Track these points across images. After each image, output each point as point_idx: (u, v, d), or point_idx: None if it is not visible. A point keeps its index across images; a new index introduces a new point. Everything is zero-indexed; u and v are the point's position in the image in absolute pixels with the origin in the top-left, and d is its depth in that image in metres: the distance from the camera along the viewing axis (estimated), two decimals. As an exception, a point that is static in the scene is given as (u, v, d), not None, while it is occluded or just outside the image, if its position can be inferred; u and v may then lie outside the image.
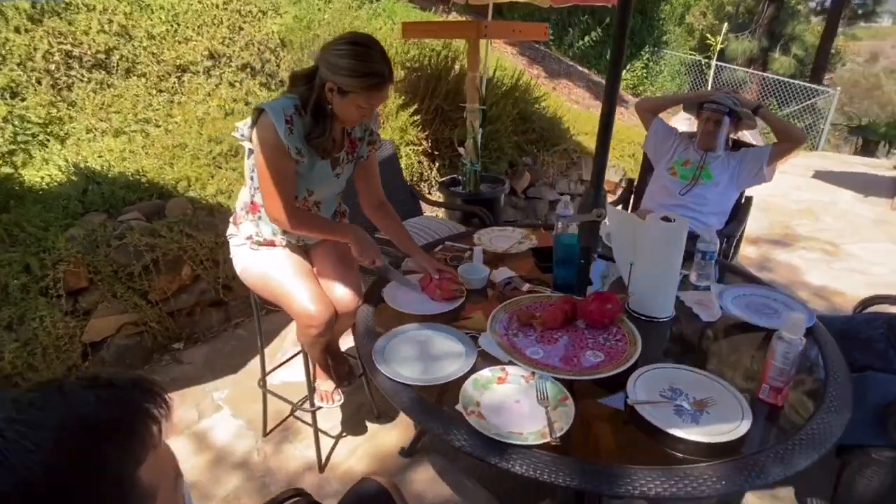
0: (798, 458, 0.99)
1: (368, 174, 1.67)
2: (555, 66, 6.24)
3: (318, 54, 1.41)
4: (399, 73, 3.85)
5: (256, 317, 1.84)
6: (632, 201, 2.86)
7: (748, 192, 2.58)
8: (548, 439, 1.00)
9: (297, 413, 2.00)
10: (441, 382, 1.16)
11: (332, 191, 1.64)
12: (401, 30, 3.08)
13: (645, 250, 1.41)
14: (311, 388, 1.75)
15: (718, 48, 10.02)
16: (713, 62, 10.09)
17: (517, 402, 1.12)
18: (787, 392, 1.11)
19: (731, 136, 2.57)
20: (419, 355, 1.28)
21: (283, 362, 2.07)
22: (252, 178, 1.54)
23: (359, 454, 1.89)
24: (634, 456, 1.01)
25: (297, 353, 2.05)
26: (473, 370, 1.20)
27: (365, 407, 2.07)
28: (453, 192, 3.31)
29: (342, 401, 1.81)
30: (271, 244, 1.62)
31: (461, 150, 3.23)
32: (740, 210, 2.54)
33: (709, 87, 9.90)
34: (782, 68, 12.81)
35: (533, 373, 1.18)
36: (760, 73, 11.23)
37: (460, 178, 3.41)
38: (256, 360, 2.04)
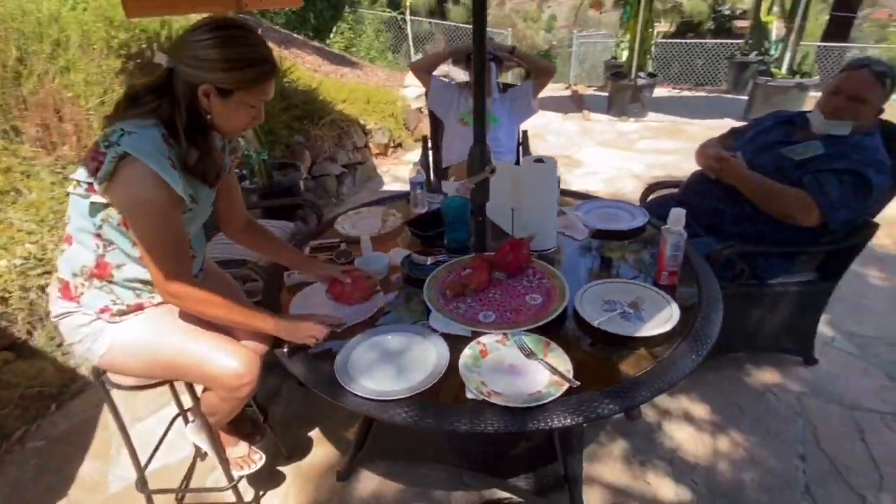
0: (713, 316, 1.27)
1: (231, 190, 1.37)
2: (274, 34, 5.86)
3: (168, 55, 1.05)
4: (116, 65, 3.10)
5: (110, 405, 1.37)
6: (431, 157, 2.99)
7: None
8: (565, 386, 1.05)
9: (212, 497, 1.61)
10: (436, 380, 1.09)
11: (200, 225, 1.32)
12: (122, 5, 2.38)
13: (526, 192, 1.53)
14: (224, 461, 1.42)
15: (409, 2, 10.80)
16: (407, 17, 10.86)
17: (512, 367, 1.13)
18: (677, 274, 1.40)
19: (498, 79, 2.88)
20: (383, 363, 1.16)
21: (157, 447, 1.61)
22: (99, 237, 1.14)
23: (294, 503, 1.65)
24: (624, 367, 1.15)
25: (166, 432, 1.63)
26: (454, 354, 1.16)
27: (269, 451, 1.79)
28: (245, 190, 2.92)
29: (263, 459, 1.53)
30: (139, 308, 1.21)
31: (241, 141, 2.85)
32: (524, 143, 2.91)
33: (410, 42, 10.69)
34: (459, 17, 14.64)
35: (505, 334, 1.20)
36: (443, 22, 12.59)
37: (243, 172, 3.02)
38: (88, 468, 1.56)
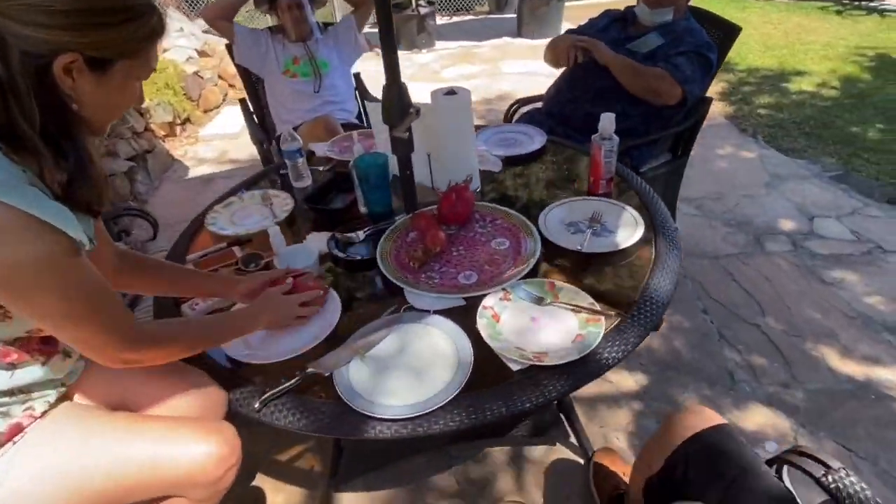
0: (660, 206, 1.32)
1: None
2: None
3: None
4: None
5: None
6: (256, 120, 2.53)
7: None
8: (601, 320, 0.98)
9: None
10: (469, 366, 0.92)
11: None
12: None
13: (442, 133, 1.35)
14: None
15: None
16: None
17: (534, 320, 1.01)
18: (613, 180, 1.40)
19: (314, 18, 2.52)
20: (393, 373, 0.94)
21: None
22: None
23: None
24: (628, 282, 1.12)
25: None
26: (469, 333, 0.99)
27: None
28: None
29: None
30: (15, 432, 0.77)
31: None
32: (361, 88, 2.63)
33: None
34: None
35: (504, 289, 1.07)
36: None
37: None
38: None
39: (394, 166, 1.30)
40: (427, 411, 0.85)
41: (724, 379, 1.70)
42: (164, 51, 4.39)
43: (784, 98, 3.88)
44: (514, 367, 0.92)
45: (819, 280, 2.07)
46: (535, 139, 1.70)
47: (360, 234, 1.30)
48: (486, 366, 0.93)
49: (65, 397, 0.90)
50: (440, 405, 0.85)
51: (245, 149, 3.63)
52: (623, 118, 1.86)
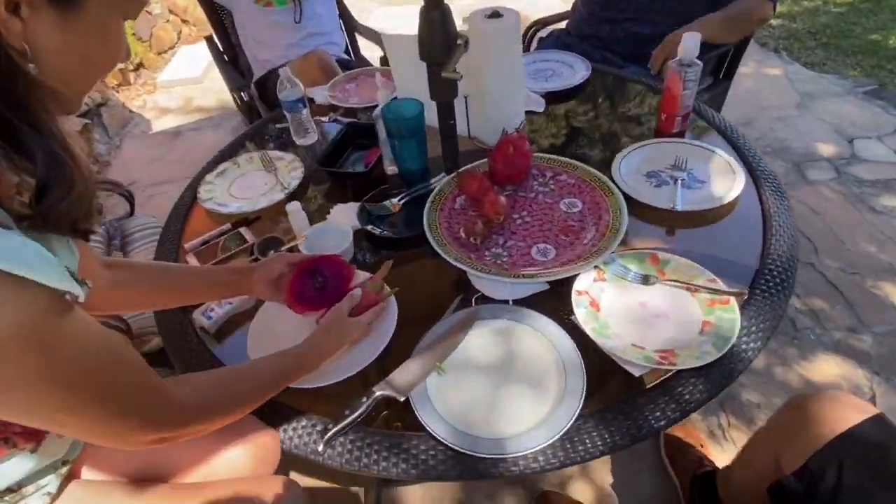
0: (751, 146, 1.11)
1: None
2: None
3: None
4: None
5: None
6: (234, 60, 2.16)
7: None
8: (731, 301, 0.79)
9: None
10: (582, 374, 0.73)
11: None
12: None
13: (484, 67, 1.09)
14: None
15: None
16: None
17: (642, 306, 0.82)
18: (689, 116, 1.17)
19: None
20: (491, 390, 0.75)
21: None
22: None
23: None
24: (744, 247, 0.92)
25: None
26: (565, 327, 0.79)
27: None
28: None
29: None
30: None
31: None
32: (346, 18, 2.26)
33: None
34: None
35: (596, 267, 0.86)
36: None
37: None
38: None
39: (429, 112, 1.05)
40: (553, 439, 0.66)
41: (785, 327, 1.57)
42: (101, -17, 3.79)
43: (796, 6, 3.60)
44: (637, 373, 0.73)
45: (869, 209, 1.92)
46: (577, 69, 1.44)
47: (395, 203, 1.06)
48: (596, 371, 0.75)
49: (70, 477, 0.69)
50: (565, 430, 0.67)
51: (212, 94, 3.23)
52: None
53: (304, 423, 0.73)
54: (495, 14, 1.07)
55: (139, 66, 3.57)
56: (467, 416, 0.70)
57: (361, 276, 0.88)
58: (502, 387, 0.73)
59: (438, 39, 0.90)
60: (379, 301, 0.82)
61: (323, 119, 1.40)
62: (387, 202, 1.06)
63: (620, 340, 0.76)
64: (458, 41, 0.91)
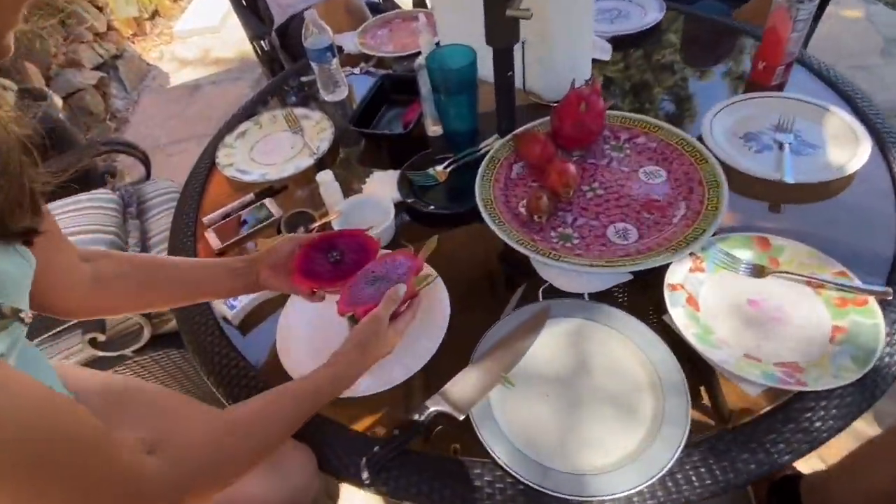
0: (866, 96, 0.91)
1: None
2: None
3: None
4: None
5: None
6: (252, 5, 1.97)
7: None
8: (870, 300, 0.63)
9: None
10: (684, 392, 0.59)
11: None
12: None
13: (548, 5, 0.90)
14: None
15: None
16: None
17: (753, 305, 0.67)
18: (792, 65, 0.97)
19: None
20: (566, 409, 0.62)
21: None
22: None
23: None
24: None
25: None
26: (655, 327, 0.65)
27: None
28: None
29: None
30: None
31: None
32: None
33: None
34: None
35: (692, 254, 0.71)
36: None
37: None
38: None
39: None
40: (653, 480, 0.53)
41: None
42: (112, -76, 3.57)
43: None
44: (754, 392, 0.59)
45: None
46: (647, 8, 1.23)
47: (441, 170, 0.91)
48: (698, 384, 0.61)
49: None
50: (668, 467, 0.54)
51: (231, 45, 3.05)
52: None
53: (343, 441, 0.62)
54: (565, -62, 0.87)
55: (154, 14, 3.40)
56: (538, 441, 0.58)
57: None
58: (581, 405, 0.60)
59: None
60: (415, 294, 0.66)
61: (353, 70, 1.23)
62: (431, 170, 0.91)
63: (730, 350, 0.62)
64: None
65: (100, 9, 2.94)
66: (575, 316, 0.68)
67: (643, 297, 0.70)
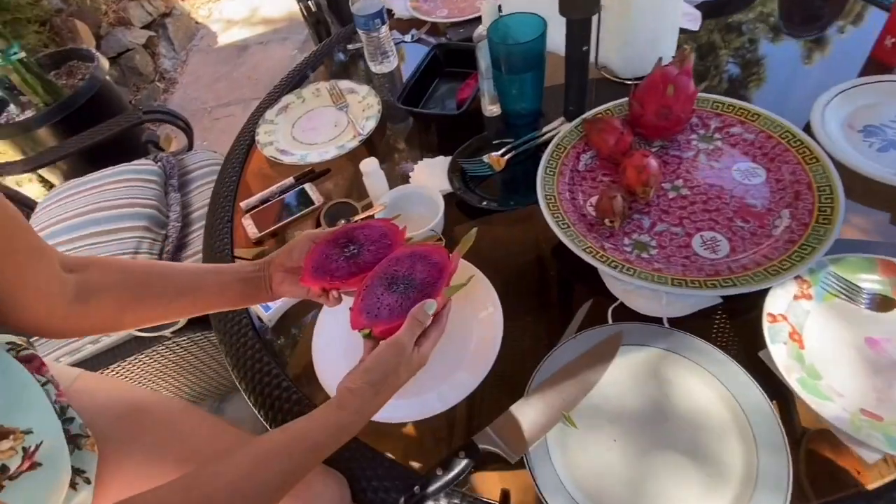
0: None
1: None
2: None
3: None
4: None
5: None
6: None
7: None
8: None
9: None
10: (784, 452, 0.49)
11: None
12: None
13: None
14: None
15: None
16: None
17: (874, 345, 0.55)
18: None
19: None
20: (638, 457, 0.53)
21: None
22: None
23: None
24: None
25: None
26: (747, 366, 0.54)
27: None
28: (16, 127, 1.69)
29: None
30: None
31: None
32: None
33: None
34: None
35: (798, 277, 0.59)
36: None
37: (-2, 92, 1.75)
38: None
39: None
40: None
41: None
42: None
43: None
44: (872, 459, 0.49)
45: None
46: (744, -32, 1.05)
47: (498, 157, 0.81)
48: (798, 438, 0.51)
49: None
50: None
51: (279, 3, 2.96)
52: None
53: (379, 471, 0.56)
54: None
55: (203, -31, 3.33)
56: (603, 496, 0.50)
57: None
58: (655, 456, 0.51)
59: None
60: (446, 304, 0.53)
61: (404, 38, 1.13)
62: (485, 157, 0.81)
63: (843, 403, 0.51)
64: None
65: (149, -35, 2.90)
66: (652, 345, 0.58)
67: (735, 327, 0.59)
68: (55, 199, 1.22)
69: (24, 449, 0.45)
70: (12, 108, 1.77)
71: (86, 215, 1.12)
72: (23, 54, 1.61)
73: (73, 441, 0.54)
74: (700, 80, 0.90)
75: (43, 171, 1.80)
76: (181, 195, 1.24)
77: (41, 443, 0.47)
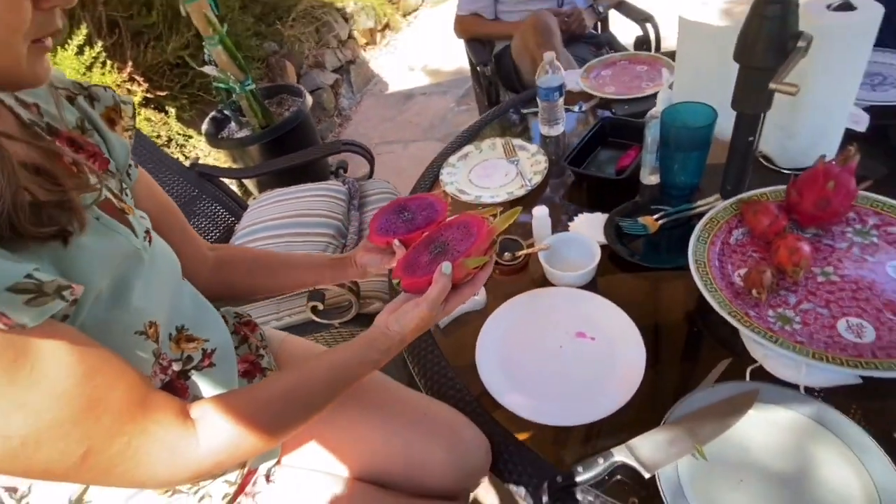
0: None
1: (162, 209, 0.69)
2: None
3: None
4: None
5: None
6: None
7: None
8: None
9: None
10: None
11: (172, 288, 0.63)
12: None
13: (811, 71, 0.85)
14: None
15: None
16: None
17: None
18: None
19: None
20: (756, 495, 0.59)
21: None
22: None
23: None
24: None
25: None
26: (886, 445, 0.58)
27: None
28: (236, 142, 2.12)
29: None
30: None
31: (209, 69, 1.99)
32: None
33: None
34: None
35: (949, 375, 0.62)
36: None
37: (226, 113, 2.20)
38: None
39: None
40: None
41: None
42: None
43: None
44: None
45: None
46: (922, 76, 1.08)
47: (651, 220, 0.91)
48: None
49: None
50: None
51: (447, 60, 3.34)
52: None
53: (524, 461, 0.67)
54: (846, 6, 0.82)
55: (385, 27, 3.86)
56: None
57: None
58: (775, 495, 0.57)
59: (770, 40, 0.71)
60: (474, 273, 0.62)
61: (571, 108, 1.29)
62: (640, 219, 0.92)
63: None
64: (800, 42, 0.71)
65: (346, 19, 3.44)
66: (790, 408, 0.64)
67: (873, 405, 0.63)
68: (265, 202, 1.53)
69: (203, 350, 0.64)
70: (233, 125, 2.22)
71: (289, 218, 1.40)
72: (254, 86, 2.03)
73: (259, 370, 0.74)
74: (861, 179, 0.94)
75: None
76: (360, 214, 1.49)
77: (215, 349, 0.65)
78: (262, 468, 0.69)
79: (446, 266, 0.60)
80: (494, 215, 0.68)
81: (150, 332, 0.53)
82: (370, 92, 3.29)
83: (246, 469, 0.66)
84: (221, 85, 2.01)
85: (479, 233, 0.64)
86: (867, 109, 1.04)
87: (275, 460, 0.71)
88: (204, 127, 2.16)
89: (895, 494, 0.55)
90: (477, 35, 1.95)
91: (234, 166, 2.17)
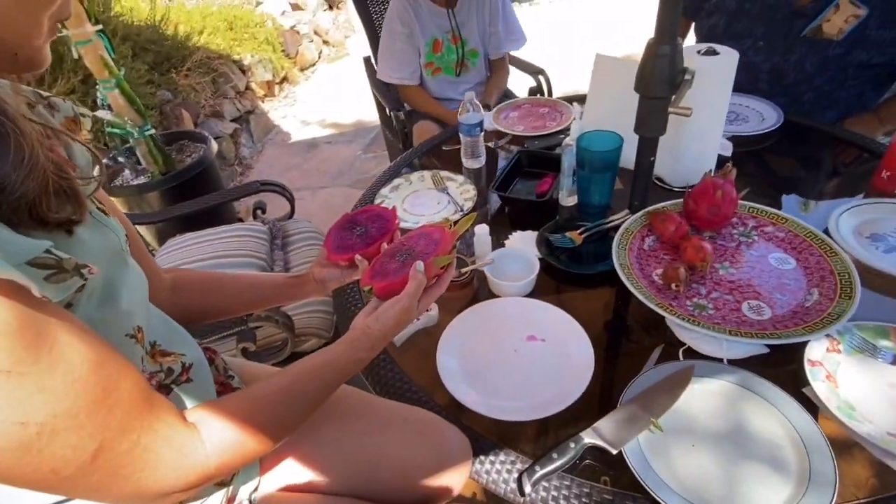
0: None
1: (123, 223, 0.65)
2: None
3: None
4: None
5: None
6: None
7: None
8: None
9: None
10: (829, 458, 0.63)
11: (146, 302, 0.59)
12: None
13: (692, 101, 1.03)
14: None
15: None
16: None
17: (893, 387, 0.71)
18: (916, 174, 1.04)
19: None
20: (714, 458, 0.67)
21: None
22: None
23: None
24: None
25: None
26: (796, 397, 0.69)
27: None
28: (134, 189, 1.97)
29: None
30: None
31: (103, 114, 1.86)
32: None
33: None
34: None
35: (829, 336, 0.76)
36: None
37: (120, 160, 2.05)
38: None
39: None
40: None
41: None
42: (258, 3, 4.19)
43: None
44: (900, 469, 0.63)
45: None
46: (765, 114, 1.34)
47: (576, 235, 1.01)
48: (839, 454, 0.64)
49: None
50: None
51: (348, 113, 3.41)
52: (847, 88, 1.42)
53: (501, 457, 0.69)
54: (711, 51, 1.01)
55: (283, 80, 3.88)
56: (684, 479, 0.63)
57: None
58: (726, 461, 0.65)
59: (664, 73, 0.86)
60: (445, 270, 0.67)
61: (487, 144, 1.40)
62: (568, 234, 1.02)
63: (873, 427, 0.66)
64: (686, 76, 0.86)
65: (243, 71, 3.41)
66: (720, 378, 0.74)
67: (780, 370, 0.75)
68: (177, 246, 1.43)
69: (182, 364, 0.61)
70: (127, 172, 2.07)
71: (211, 259, 1.33)
72: (153, 131, 1.93)
73: (231, 389, 0.71)
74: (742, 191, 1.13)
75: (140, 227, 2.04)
76: (284, 253, 1.45)
77: (192, 364, 0.63)
78: (244, 491, 0.64)
79: (419, 265, 0.64)
80: (450, 225, 0.73)
81: (139, 337, 0.50)
82: (272, 141, 3.25)
83: (229, 493, 0.61)
84: (116, 130, 1.88)
85: (442, 237, 0.69)
86: (730, 139, 1.27)
87: (256, 481, 0.66)
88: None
89: (812, 434, 0.65)
90: (419, 109, 2.00)
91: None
